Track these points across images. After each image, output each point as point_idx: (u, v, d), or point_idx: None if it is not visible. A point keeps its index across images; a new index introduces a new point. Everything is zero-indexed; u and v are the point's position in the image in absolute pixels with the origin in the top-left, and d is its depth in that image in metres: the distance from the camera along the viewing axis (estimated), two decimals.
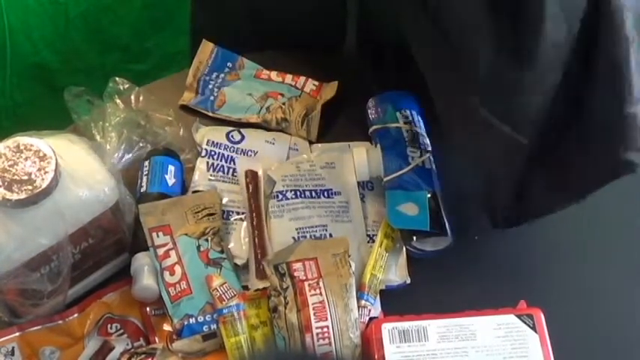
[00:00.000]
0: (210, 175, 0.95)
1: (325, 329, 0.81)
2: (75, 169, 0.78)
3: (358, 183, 0.95)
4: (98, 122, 0.94)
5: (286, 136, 1.01)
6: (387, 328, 0.81)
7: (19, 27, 1.09)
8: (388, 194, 0.93)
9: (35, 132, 0.80)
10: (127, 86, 0.98)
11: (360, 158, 0.94)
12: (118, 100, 0.97)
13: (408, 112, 0.99)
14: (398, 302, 0.87)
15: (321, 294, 0.82)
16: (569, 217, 0.94)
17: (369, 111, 1.00)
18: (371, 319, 0.85)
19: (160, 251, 0.88)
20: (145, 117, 0.97)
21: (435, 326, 0.81)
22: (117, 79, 0.98)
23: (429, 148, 0.96)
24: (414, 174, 0.93)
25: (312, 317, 0.81)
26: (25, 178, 0.75)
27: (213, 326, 0.83)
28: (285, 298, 0.83)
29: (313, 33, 1.02)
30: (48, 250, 0.78)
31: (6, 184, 0.74)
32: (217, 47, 1.07)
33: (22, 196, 0.74)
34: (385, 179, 0.93)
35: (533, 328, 0.81)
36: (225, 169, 0.96)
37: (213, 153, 0.97)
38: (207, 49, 1.07)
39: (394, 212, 0.91)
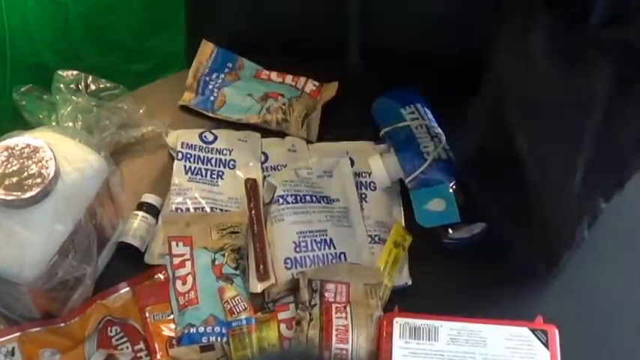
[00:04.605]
0: (189, 178, 0.95)
1: (344, 352, 0.81)
2: (66, 154, 0.80)
3: (360, 183, 0.95)
4: (51, 115, 0.95)
5: (256, 134, 1.00)
6: (399, 322, 0.81)
7: (19, 27, 1.09)
8: (413, 195, 0.91)
9: (8, 134, 0.81)
10: (73, 75, 0.98)
11: (376, 167, 0.93)
12: (66, 91, 0.96)
13: (413, 107, 0.98)
14: (411, 303, 0.86)
15: (346, 318, 0.82)
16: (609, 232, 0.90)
17: (375, 113, 1.00)
18: None
19: (176, 260, 0.88)
20: (97, 101, 0.97)
21: (447, 328, 0.81)
22: (60, 72, 0.97)
23: (443, 138, 0.94)
24: (432, 168, 0.92)
25: (334, 338, 0.81)
26: (32, 173, 0.75)
27: (212, 338, 0.83)
28: (310, 314, 0.83)
29: (313, 34, 1.01)
30: (72, 233, 0.79)
31: (14, 186, 0.75)
32: (217, 48, 1.07)
33: (36, 190, 0.75)
34: (407, 181, 0.92)
35: (546, 344, 0.80)
36: (203, 172, 0.96)
37: (189, 155, 0.97)
38: (207, 50, 1.07)
39: (423, 212, 0.90)
